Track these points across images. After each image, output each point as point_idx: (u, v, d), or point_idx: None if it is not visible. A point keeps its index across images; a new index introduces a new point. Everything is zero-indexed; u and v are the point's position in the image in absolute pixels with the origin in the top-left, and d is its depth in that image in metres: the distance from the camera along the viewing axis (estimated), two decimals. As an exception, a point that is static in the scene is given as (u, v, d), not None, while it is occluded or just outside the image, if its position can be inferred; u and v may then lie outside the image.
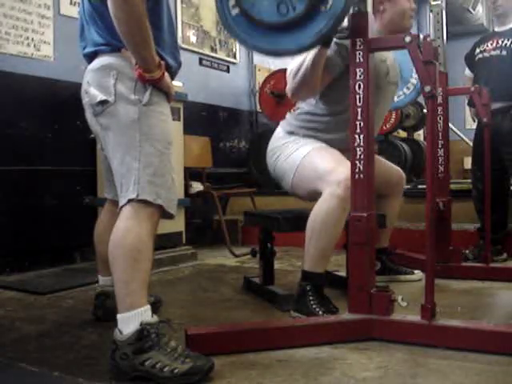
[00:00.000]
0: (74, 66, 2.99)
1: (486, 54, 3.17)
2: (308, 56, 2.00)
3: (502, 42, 3.10)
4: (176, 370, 1.41)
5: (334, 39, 2.01)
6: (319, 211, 1.98)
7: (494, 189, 2.80)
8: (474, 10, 7.00)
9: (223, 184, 4.31)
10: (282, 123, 2.37)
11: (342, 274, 2.54)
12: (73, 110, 2.92)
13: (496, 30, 3.25)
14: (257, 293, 2.43)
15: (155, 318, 1.50)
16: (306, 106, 2.30)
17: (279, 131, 2.35)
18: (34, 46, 3.10)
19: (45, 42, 3.15)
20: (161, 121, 1.60)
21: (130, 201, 1.54)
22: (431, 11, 2.78)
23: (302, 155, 2.16)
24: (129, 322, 1.47)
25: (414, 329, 1.70)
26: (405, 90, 2.67)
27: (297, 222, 2.14)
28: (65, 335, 1.88)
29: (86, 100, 1.67)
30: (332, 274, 2.62)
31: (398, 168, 2.64)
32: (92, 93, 1.61)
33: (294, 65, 2.08)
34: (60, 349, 1.73)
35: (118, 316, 1.50)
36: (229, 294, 2.52)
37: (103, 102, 1.58)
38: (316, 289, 2.00)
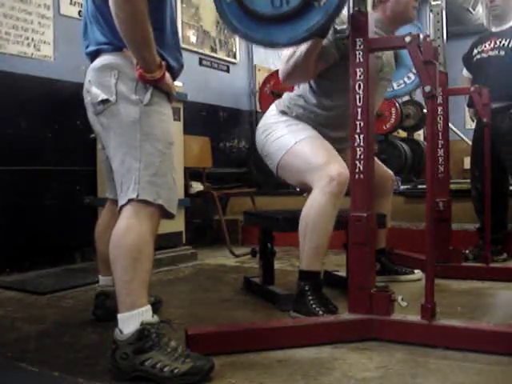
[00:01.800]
0: (74, 66, 2.99)
1: (484, 55, 3.17)
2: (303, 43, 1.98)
3: (500, 42, 3.11)
4: (176, 370, 1.41)
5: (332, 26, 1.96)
6: (310, 209, 1.99)
7: (493, 189, 2.80)
8: (473, 10, 7.00)
9: (223, 184, 4.31)
10: (276, 102, 2.34)
11: (342, 274, 2.54)
12: (73, 110, 2.93)
13: (493, 30, 3.25)
14: (257, 293, 2.43)
15: (156, 318, 1.50)
16: (301, 89, 2.28)
17: (272, 109, 2.32)
18: (34, 46, 3.10)
19: (45, 42, 3.15)
20: (162, 121, 1.60)
21: (130, 200, 1.54)
22: (431, 11, 2.78)
23: (294, 141, 2.13)
24: (129, 322, 1.47)
25: (414, 329, 1.70)
26: (405, 79, 2.62)
27: (297, 221, 2.12)
28: (65, 335, 1.88)
29: (87, 99, 1.67)
30: (332, 274, 2.62)
31: (387, 169, 2.63)
32: (93, 92, 1.61)
33: (289, 50, 2.07)
34: (60, 349, 1.73)
35: (119, 316, 1.50)
36: (229, 294, 2.52)
37: (104, 101, 1.58)
38: (315, 288, 2.00)
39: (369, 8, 1.80)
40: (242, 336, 1.70)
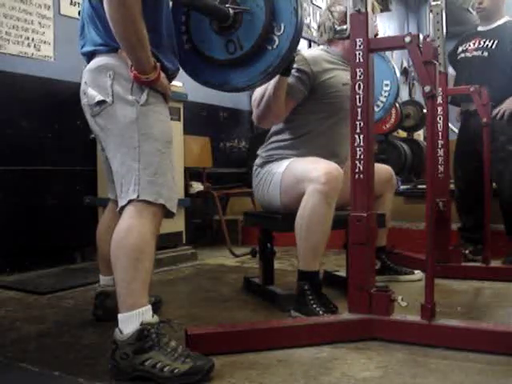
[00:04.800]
0: (74, 66, 2.98)
1: (467, 54, 3.19)
2: (270, 85, 2.04)
3: (484, 42, 3.12)
4: (176, 370, 1.42)
5: (295, 66, 2.06)
6: (304, 209, 1.98)
7: (474, 188, 2.80)
8: (473, 10, 6.99)
9: (223, 184, 4.31)
10: (255, 162, 2.38)
11: (342, 274, 2.54)
12: (73, 110, 2.91)
13: (479, 29, 3.25)
14: (257, 293, 2.43)
15: (156, 318, 1.50)
16: (272, 135, 2.35)
17: (255, 168, 2.36)
18: (34, 46, 3.10)
19: (45, 42, 3.15)
20: (159, 120, 1.60)
21: (131, 201, 1.54)
22: (431, 11, 2.78)
23: (282, 171, 2.16)
24: (129, 322, 1.47)
25: (414, 329, 1.70)
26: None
27: (297, 222, 2.13)
28: (65, 335, 1.88)
29: (84, 101, 1.67)
30: (332, 274, 2.62)
31: (386, 166, 2.63)
32: (90, 93, 1.61)
33: (258, 93, 2.13)
34: (60, 349, 1.73)
35: (119, 316, 1.50)
36: (229, 294, 2.52)
37: (101, 103, 1.58)
38: (314, 288, 2.00)
39: (369, 11, 1.80)
40: (242, 336, 1.70)
